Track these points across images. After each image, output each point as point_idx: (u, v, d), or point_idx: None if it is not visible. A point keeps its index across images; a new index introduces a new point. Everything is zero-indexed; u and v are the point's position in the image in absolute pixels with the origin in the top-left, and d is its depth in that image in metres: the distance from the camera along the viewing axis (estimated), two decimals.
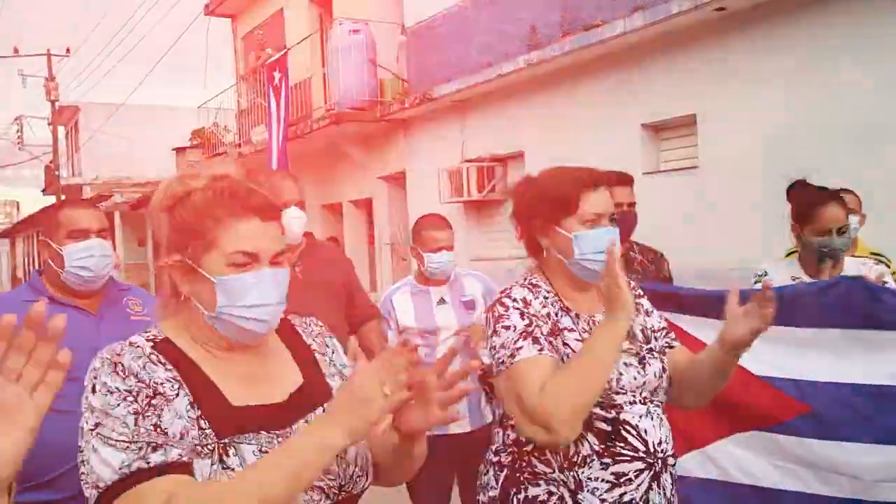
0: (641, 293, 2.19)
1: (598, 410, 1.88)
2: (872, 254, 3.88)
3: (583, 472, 1.90)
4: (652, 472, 1.93)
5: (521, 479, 1.96)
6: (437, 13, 10.12)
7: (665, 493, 1.95)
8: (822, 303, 2.57)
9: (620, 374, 1.92)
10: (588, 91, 8.13)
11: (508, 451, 2.01)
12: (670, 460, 1.98)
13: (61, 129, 28.94)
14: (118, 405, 1.28)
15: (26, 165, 32.26)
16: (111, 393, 1.29)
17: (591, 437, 1.89)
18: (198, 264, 1.39)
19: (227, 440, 1.34)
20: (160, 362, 1.37)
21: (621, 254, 3.39)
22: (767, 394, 2.62)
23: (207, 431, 1.33)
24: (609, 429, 1.90)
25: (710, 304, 2.60)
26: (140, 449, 1.24)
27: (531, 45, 8.44)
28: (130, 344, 1.39)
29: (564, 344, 1.94)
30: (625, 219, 3.40)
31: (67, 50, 27.07)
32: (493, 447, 2.08)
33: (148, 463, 1.23)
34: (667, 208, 6.70)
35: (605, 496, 1.88)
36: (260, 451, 1.35)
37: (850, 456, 2.49)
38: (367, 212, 12.68)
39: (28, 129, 29.85)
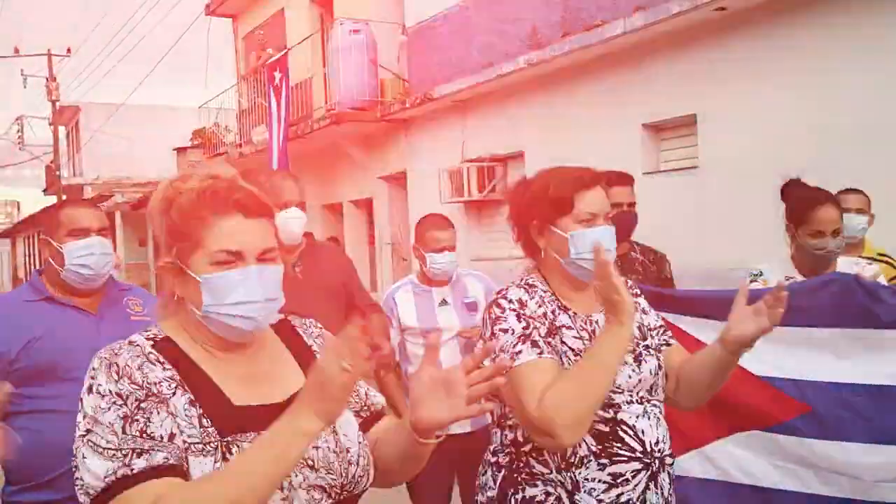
0: (639, 292, 2.19)
1: (596, 410, 1.88)
2: (879, 255, 3.87)
3: (580, 473, 1.90)
4: (649, 473, 1.93)
5: (519, 479, 1.96)
6: (438, 13, 10.12)
7: (663, 493, 1.95)
8: (821, 302, 2.57)
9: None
10: (588, 91, 8.13)
11: (506, 451, 2.01)
12: (668, 460, 1.99)
13: (62, 129, 28.96)
14: (108, 409, 1.29)
15: (27, 165, 32.28)
16: (102, 396, 1.31)
17: (588, 437, 1.89)
18: (186, 265, 1.40)
19: (229, 439, 1.35)
20: (159, 361, 1.38)
21: (622, 254, 3.44)
22: (767, 394, 2.62)
23: (210, 430, 1.34)
24: (606, 429, 1.91)
25: (710, 306, 2.60)
26: (125, 456, 1.26)
27: (532, 45, 8.44)
28: (130, 343, 1.40)
29: (562, 342, 1.94)
30: (625, 219, 3.40)
31: (68, 50, 27.10)
32: (492, 447, 2.08)
33: (132, 470, 1.26)
34: (667, 208, 6.70)
35: (602, 496, 1.89)
36: None
37: (850, 456, 2.49)
38: (368, 212, 12.69)
39: (29, 129, 29.91)
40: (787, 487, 2.60)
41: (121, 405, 1.30)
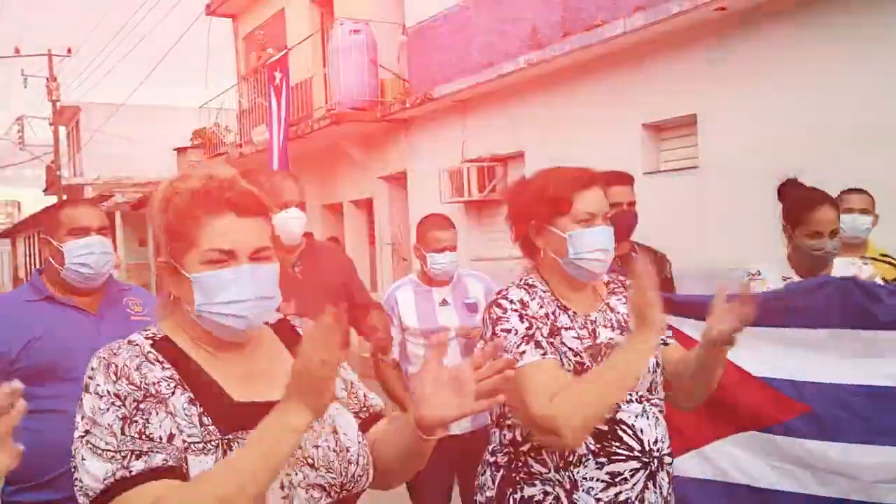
0: None
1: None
2: (882, 255, 3.87)
3: (578, 472, 1.90)
4: (647, 472, 1.93)
5: (518, 479, 1.97)
6: (438, 13, 10.11)
7: (661, 493, 1.96)
8: (819, 303, 2.57)
9: None
10: (588, 91, 8.13)
11: (505, 451, 2.01)
12: (666, 459, 1.99)
13: (62, 129, 28.96)
14: (106, 410, 1.30)
15: (27, 165, 32.28)
16: (101, 397, 1.31)
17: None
18: (180, 264, 1.41)
19: (230, 437, 1.35)
20: (158, 361, 1.39)
21: (622, 254, 3.44)
22: (766, 394, 2.62)
23: (210, 428, 1.35)
24: (605, 428, 1.91)
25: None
26: (124, 458, 1.27)
27: (532, 45, 8.44)
28: (129, 342, 1.41)
29: (562, 343, 1.94)
30: (625, 218, 3.40)
31: (69, 50, 27.10)
32: (490, 447, 2.08)
33: (130, 472, 1.26)
34: (667, 208, 6.70)
35: (600, 495, 1.89)
36: None
37: (848, 457, 2.50)
38: (368, 212, 12.68)
39: (29, 129, 29.91)
40: (785, 488, 2.60)
41: (119, 406, 1.30)
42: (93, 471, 1.27)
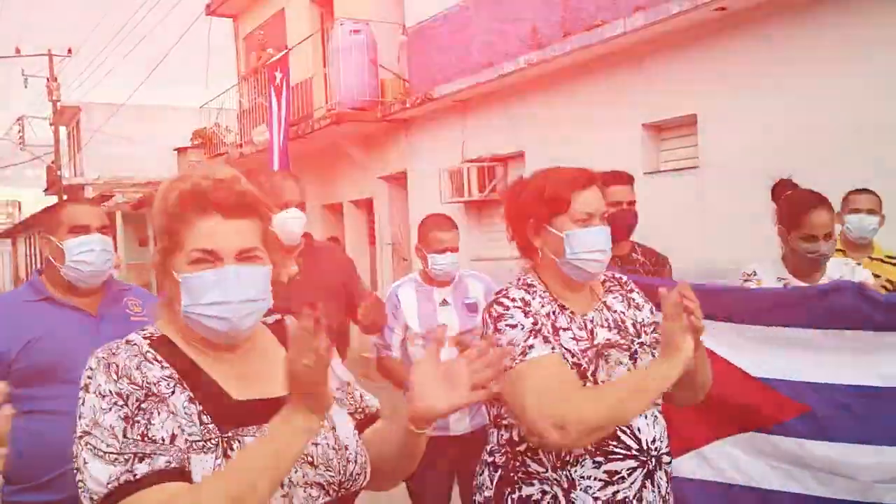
0: (632, 288, 2.19)
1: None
2: (888, 256, 3.87)
3: (575, 471, 1.91)
4: (645, 471, 1.93)
5: (515, 478, 1.97)
6: (438, 13, 10.11)
7: (660, 492, 1.96)
8: (819, 305, 2.57)
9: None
10: (588, 91, 8.13)
11: (502, 451, 2.01)
12: (665, 458, 1.99)
13: (63, 130, 28.95)
14: (108, 410, 1.29)
15: (28, 165, 32.26)
16: (102, 396, 1.31)
17: None
18: (169, 264, 1.41)
19: (230, 434, 1.35)
20: (156, 360, 1.39)
21: (623, 254, 3.44)
22: (765, 395, 2.62)
23: (210, 426, 1.35)
24: None
25: (709, 305, 2.59)
26: (127, 461, 1.26)
27: (532, 45, 8.44)
28: (127, 342, 1.41)
29: (560, 345, 1.94)
30: (625, 217, 3.40)
31: (69, 50, 27.11)
32: (488, 447, 2.08)
33: (134, 475, 1.26)
34: (667, 208, 6.70)
35: (598, 494, 1.89)
36: None
37: (847, 457, 2.50)
38: (368, 212, 12.68)
39: (30, 130, 29.89)
40: (784, 488, 2.61)
41: (121, 406, 1.30)
42: (96, 474, 1.26)
